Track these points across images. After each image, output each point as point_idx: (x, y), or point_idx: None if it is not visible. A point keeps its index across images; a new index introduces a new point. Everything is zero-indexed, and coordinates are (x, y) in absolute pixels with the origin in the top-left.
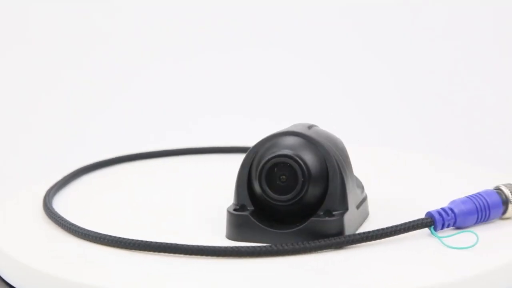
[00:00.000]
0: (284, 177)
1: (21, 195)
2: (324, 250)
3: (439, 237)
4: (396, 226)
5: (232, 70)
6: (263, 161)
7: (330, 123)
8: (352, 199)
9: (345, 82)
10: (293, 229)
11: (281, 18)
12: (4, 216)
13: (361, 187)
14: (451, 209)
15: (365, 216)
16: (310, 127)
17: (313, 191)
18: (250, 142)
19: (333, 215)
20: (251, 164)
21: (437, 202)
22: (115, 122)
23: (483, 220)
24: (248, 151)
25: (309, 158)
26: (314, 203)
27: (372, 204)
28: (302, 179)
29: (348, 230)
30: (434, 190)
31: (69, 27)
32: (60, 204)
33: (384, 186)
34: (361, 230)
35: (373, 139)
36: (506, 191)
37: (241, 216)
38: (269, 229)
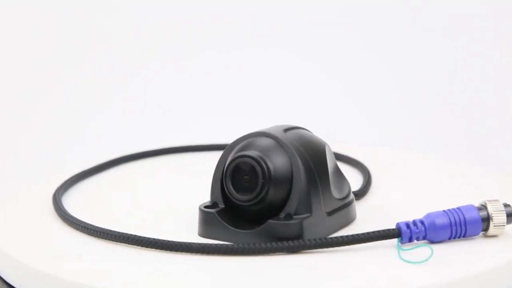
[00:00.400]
0: (247, 177)
1: (21, 195)
2: (277, 253)
3: (399, 249)
4: (358, 235)
5: (232, 70)
6: (229, 161)
7: (330, 123)
8: (320, 205)
9: (345, 82)
10: (252, 230)
11: (281, 18)
12: (4, 216)
13: (344, 192)
14: (422, 222)
15: (344, 222)
16: (288, 129)
17: (275, 193)
18: None
19: (292, 219)
20: (225, 163)
21: (436, 203)
22: (115, 122)
23: (459, 236)
24: (224, 149)
25: (274, 161)
26: (279, 205)
27: (367, 206)
28: (262, 181)
29: (310, 235)
30: (433, 191)
31: (69, 27)
32: (66, 204)
33: (384, 186)
34: (341, 234)
35: (373, 139)
36: (490, 208)
37: (208, 213)
38: (232, 228)
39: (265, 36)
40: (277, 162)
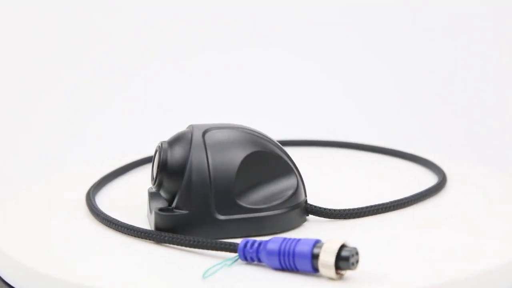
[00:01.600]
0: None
1: (21, 195)
2: (147, 240)
3: (219, 264)
4: (202, 241)
5: (232, 70)
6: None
7: (330, 123)
8: (208, 206)
9: (345, 82)
10: (151, 215)
11: (281, 18)
12: (4, 216)
13: (268, 202)
14: (260, 244)
15: (261, 230)
16: (216, 128)
17: (168, 185)
18: None
19: (171, 212)
20: None
21: (435, 204)
22: (115, 122)
23: (289, 268)
24: None
25: (177, 154)
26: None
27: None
28: (157, 169)
29: (188, 232)
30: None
31: (69, 27)
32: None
33: (381, 187)
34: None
35: (374, 140)
36: (324, 246)
37: (147, 193)
38: (151, 210)
39: (265, 36)
40: (179, 157)
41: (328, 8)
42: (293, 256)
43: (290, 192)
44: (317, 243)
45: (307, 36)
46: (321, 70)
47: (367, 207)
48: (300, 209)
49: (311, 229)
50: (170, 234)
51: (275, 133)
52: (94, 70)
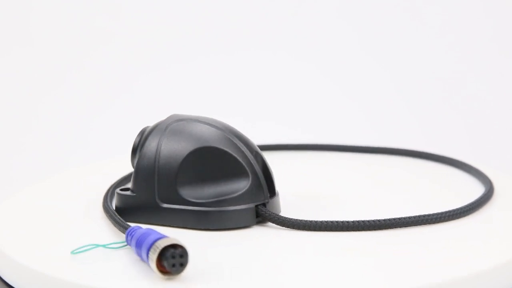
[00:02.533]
0: None
1: (21, 195)
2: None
3: (100, 246)
4: (114, 218)
5: (232, 71)
6: None
7: (330, 123)
8: (151, 192)
9: (345, 82)
10: None
11: (281, 19)
12: (4, 216)
13: (209, 198)
14: (137, 232)
15: (190, 221)
16: (184, 120)
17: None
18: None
19: (125, 191)
20: None
21: (434, 204)
22: (116, 122)
23: (142, 258)
24: None
25: (145, 139)
26: None
27: (346, 207)
28: (131, 151)
29: (134, 213)
30: (431, 191)
31: (68, 28)
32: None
33: (380, 188)
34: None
35: (373, 140)
36: (157, 243)
37: None
38: None
39: (265, 38)
40: (142, 142)
41: (329, 9)
42: (140, 248)
43: (238, 193)
44: (160, 238)
45: (307, 37)
46: (321, 70)
47: (321, 222)
48: (247, 210)
49: (256, 232)
50: (112, 211)
51: (277, 136)
52: (95, 70)
